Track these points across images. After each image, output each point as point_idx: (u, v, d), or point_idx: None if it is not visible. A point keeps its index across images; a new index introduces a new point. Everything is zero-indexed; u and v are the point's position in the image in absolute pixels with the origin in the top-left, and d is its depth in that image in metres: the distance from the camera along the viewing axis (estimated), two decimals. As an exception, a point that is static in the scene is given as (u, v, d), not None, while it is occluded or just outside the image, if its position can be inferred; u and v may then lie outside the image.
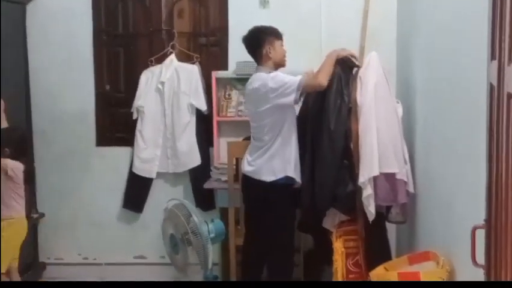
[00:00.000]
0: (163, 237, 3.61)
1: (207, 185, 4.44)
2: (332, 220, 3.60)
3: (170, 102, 4.60)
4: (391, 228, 3.85)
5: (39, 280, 4.69)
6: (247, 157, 3.77)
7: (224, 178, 4.29)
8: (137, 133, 4.67)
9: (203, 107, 4.58)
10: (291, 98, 3.50)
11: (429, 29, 3.25)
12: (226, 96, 4.59)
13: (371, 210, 3.28)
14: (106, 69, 4.79)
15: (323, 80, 3.45)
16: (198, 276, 3.60)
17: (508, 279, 1.39)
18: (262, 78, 3.59)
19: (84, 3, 4.70)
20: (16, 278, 3.93)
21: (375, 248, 3.47)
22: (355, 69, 3.57)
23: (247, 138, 4.03)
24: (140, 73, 4.65)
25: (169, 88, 4.59)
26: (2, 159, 3.69)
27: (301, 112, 3.70)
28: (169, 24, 4.69)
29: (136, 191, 4.78)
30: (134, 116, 4.67)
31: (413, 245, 3.56)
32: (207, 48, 4.71)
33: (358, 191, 3.35)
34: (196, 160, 4.63)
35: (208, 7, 4.67)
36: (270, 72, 3.63)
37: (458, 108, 2.49)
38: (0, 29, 4.12)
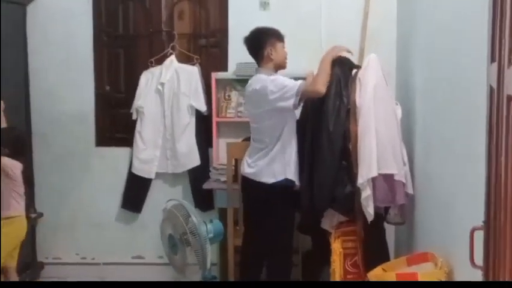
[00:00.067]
0: (161, 237, 3.61)
1: (206, 186, 4.44)
2: (330, 221, 3.60)
3: (170, 103, 4.61)
4: (390, 229, 3.86)
5: (37, 280, 4.69)
6: (246, 159, 3.77)
7: (223, 179, 4.29)
8: (137, 134, 4.68)
9: (203, 108, 4.59)
10: (290, 103, 3.50)
11: (429, 30, 3.25)
12: (226, 97, 4.60)
13: (369, 211, 3.29)
14: (106, 70, 4.80)
15: (321, 87, 3.45)
16: (196, 277, 3.60)
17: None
18: (263, 80, 3.59)
19: (84, 4, 4.70)
20: (14, 278, 3.93)
21: (374, 249, 3.47)
22: (354, 70, 3.58)
23: (247, 139, 4.03)
24: (140, 74, 4.66)
25: (169, 89, 4.59)
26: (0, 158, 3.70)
27: (300, 113, 3.71)
28: (169, 26, 4.70)
29: (135, 191, 4.79)
30: (134, 117, 4.68)
31: (412, 246, 3.57)
32: (206, 49, 4.71)
33: (357, 192, 3.36)
34: (195, 161, 4.64)
35: (208, 8, 4.68)
36: (270, 74, 3.63)
37: (458, 109, 2.50)
38: (0, 29, 4.13)
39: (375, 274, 2.85)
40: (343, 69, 3.55)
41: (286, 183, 3.62)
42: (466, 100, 2.33)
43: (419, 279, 2.54)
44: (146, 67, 4.66)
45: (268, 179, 3.62)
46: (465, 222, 2.03)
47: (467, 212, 2.25)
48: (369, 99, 3.35)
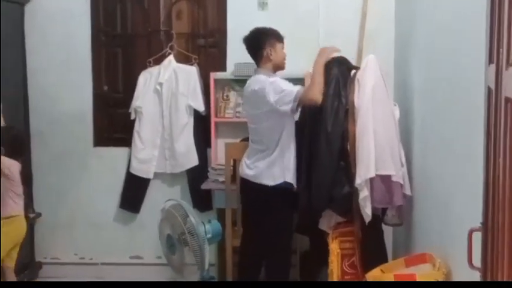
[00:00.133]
0: (159, 237, 3.61)
1: (204, 186, 4.44)
2: (328, 221, 3.60)
3: (169, 103, 4.61)
4: (388, 230, 3.86)
5: (36, 280, 4.68)
6: (245, 160, 3.77)
7: (221, 179, 4.29)
8: (135, 134, 4.67)
9: (201, 108, 4.58)
10: (287, 107, 3.50)
11: (428, 30, 3.25)
12: (224, 97, 4.59)
13: (367, 211, 3.29)
14: (104, 70, 4.80)
15: (318, 96, 3.44)
16: (194, 277, 3.60)
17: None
18: (262, 81, 3.59)
19: (82, 4, 4.70)
20: (12, 278, 3.93)
21: (371, 250, 3.47)
22: (353, 71, 3.58)
23: (245, 140, 4.03)
24: (138, 74, 4.65)
25: (167, 89, 4.59)
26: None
27: (299, 114, 3.71)
28: (167, 25, 4.70)
29: (133, 191, 4.78)
30: (132, 117, 4.67)
31: (410, 247, 3.57)
32: (205, 49, 4.71)
33: (354, 192, 3.36)
34: (193, 161, 4.64)
35: (207, 8, 4.67)
36: (269, 75, 3.63)
37: (456, 110, 2.50)
38: (0, 29, 4.13)
39: (373, 275, 2.85)
40: (341, 70, 3.55)
41: (285, 186, 3.62)
42: (465, 101, 2.33)
43: (417, 280, 2.54)
44: (145, 67, 4.66)
45: (268, 181, 3.62)
46: (463, 223, 2.02)
47: (465, 212, 2.25)
48: (367, 100, 3.35)
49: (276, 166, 3.61)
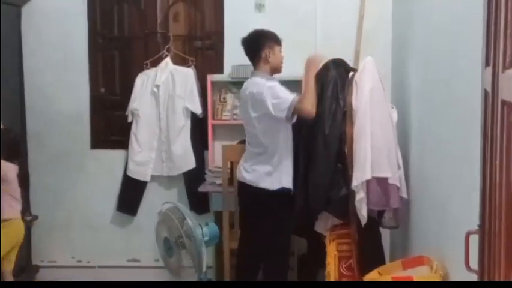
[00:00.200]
0: (157, 240, 3.61)
1: (201, 189, 4.44)
2: (324, 224, 3.60)
3: (166, 105, 4.60)
4: (385, 233, 3.86)
5: (33, 283, 4.68)
6: (243, 163, 3.76)
7: (219, 181, 4.29)
8: (132, 136, 4.67)
9: (198, 110, 4.58)
10: (283, 115, 3.49)
11: (425, 32, 3.25)
12: (221, 99, 4.59)
13: (363, 214, 3.28)
14: (101, 72, 4.79)
15: (311, 109, 3.43)
16: (191, 279, 3.60)
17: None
18: (259, 84, 3.58)
19: (79, 5, 4.70)
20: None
21: (369, 252, 3.47)
22: (351, 73, 3.58)
23: (242, 142, 4.03)
24: (135, 76, 4.65)
25: (164, 91, 4.59)
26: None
27: (297, 116, 3.70)
28: (164, 28, 4.70)
29: (131, 194, 4.78)
30: (129, 119, 4.67)
31: (407, 250, 3.57)
32: (202, 51, 4.71)
33: (351, 194, 3.36)
34: (190, 163, 4.63)
35: (204, 10, 4.68)
36: (267, 78, 3.62)
37: (453, 111, 2.50)
38: (0, 30, 4.13)
39: (371, 277, 2.85)
40: (339, 72, 3.55)
41: (283, 190, 3.62)
42: (462, 103, 2.33)
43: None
44: (142, 69, 4.65)
45: (266, 186, 3.61)
46: (460, 226, 2.03)
47: (462, 215, 2.25)
48: (365, 102, 3.35)
49: (274, 171, 3.60)
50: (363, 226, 3.34)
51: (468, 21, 2.24)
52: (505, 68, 1.40)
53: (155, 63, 4.63)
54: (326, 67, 3.57)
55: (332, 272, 3.45)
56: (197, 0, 4.67)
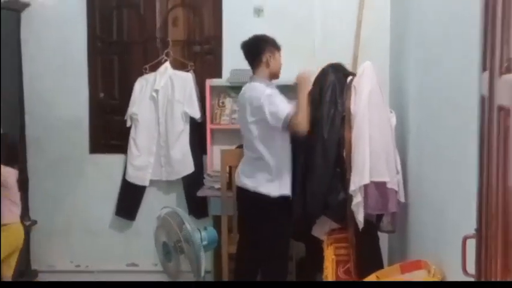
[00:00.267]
0: (155, 244, 3.60)
1: (200, 193, 4.44)
2: (322, 228, 3.60)
3: (164, 110, 4.61)
4: (383, 237, 3.86)
5: None
6: (241, 168, 3.76)
7: (217, 186, 4.29)
8: (131, 140, 4.67)
9: (197, 115, 4.59)
10: (278, 124, 3.49)
11: (422, 37, 3.26)
12: (220, 104, 4.60)
13: (359, 218, 3.29)
14: (100, 77, 4.80)
15: (305, 127, 3.45)
16: (190, 284, 3.60)
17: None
18: (258, 90, 3.58)
19: (78, 10, 4.71)
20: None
21: (366, 256, 3.47)
22: (349, 77, 3.58)
23: (241, 146, 4.03)
24: (134, 81, 4.66)
25: (163, 96, 4.59)
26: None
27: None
28: (163, 32, 4.71)
29: (129, 198, 4.78)
30: (128, 124, 4.68)
31: (405, 254, 3.57)
32: (201, 56, 4.72)
33: (349, 199, 3.36)
34: (189, 168, 4.64)
35: (203, 15, 4.69)
36: (266, 84, 3.62)
37: (451, 117, 2.51)
38: (0, 36, 4.14)
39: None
40: (338, 77, 3.55)
41: (282, 197, 3.62)
42: (459, 108, 2.34)
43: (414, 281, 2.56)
44: (141, 74, 4.66)
45: (265, 192, 3.60)
46: (458, 230, 2.03)
47: (460, 219, 2.26)
48: (363, 106, 3.36)
49: (273, 179, 3.59)
50: (360, 230, 3.35)
51: (465, 27, 2.25)
52: (501, 73, 1.41)
53: (154, 68, 4.64)
54: (324, 72, 3.58)
55: (329, 276, 3.45)
56: (196, 5, 4.69)
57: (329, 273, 3.44)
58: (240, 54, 3.75)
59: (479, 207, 1.62)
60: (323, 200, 3.44)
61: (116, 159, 4.77)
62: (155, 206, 4.05)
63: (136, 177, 4.70)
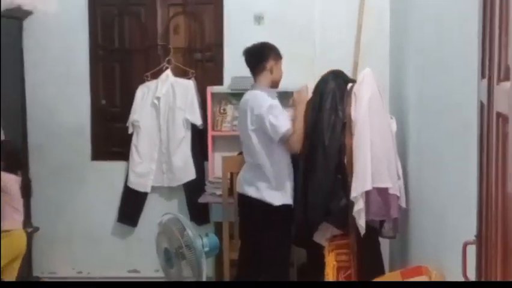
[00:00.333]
0: (157, 251, 3.61)
1: (201, 199, 4.45)
2: (323, 234, 3.61)
3: (166, 117, 4.63)
4: (384, 243, 3.86)
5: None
6: (243, 175, 3.77)
7: (219, 192, 4.29)
8: (133, 147, 4.69)
9: (198, 121, 4.61)
10: (276, 137, 3.52)
11: (422, 43, 3.27)
12: (221, 111, 4.61)
13: (361, 224, 3.29)
14: (102, 84, 4.83)
15: (298, 149, 3.53)
16: (192, 290, 3.60)
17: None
18: (260, 98, 3.58)
19: (80, 18, 4.74)
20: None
21: (368, 262, 3.48)
22: (349, 84, 3.59)
23: (242, 153, 4.03)
24: (136, 88, 4.68)
25: (164, 103, 4.61)
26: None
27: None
28: (164, 40, 4.73)
29: (131, 205, 4.79)
30: (130, 131, 4.69)
31: (406, 260, 3.58)
32: (202, 63, 4.75)
33: (351, 205, 3.37)
34: (190, 174, 4.65)
35: (204, 23, 4.71)
36: (267, 92, 3.62)
37: (451, 123, 2.51)
38: (0, 44, 4.16)
39: (370, 287, 2.87)
40: (338, 83, 3.56)
41: (284, 205, 3.63)
42: (459, 114, 2.35)
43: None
44: (142, 81, 4.68)
45: (267, 200, 3.60)
46: (458, 236, 2.03)
47: (460, 225, 2.26)
48: (364, 112, 3.36)
49: (274, 189, 3.60)
50: (362, 236, 3.35)
51: (464, 33, 2.26)
52: (500, 80, 1.41)
53: (155, 75, 4.66)
54: (325, 79, 3.59)
55: (330, 282, 3.46)
56: (197, 13, 4.71)
57: (330, 280, 3.45)
58: (241, 62, 3.75)
59: (480, 213, 1.63)
60: (324, 207, 3.44)
61: (118, 166, 4.79)
62: (157, 212, 4.05)
63: (138, 183, 4.71)
